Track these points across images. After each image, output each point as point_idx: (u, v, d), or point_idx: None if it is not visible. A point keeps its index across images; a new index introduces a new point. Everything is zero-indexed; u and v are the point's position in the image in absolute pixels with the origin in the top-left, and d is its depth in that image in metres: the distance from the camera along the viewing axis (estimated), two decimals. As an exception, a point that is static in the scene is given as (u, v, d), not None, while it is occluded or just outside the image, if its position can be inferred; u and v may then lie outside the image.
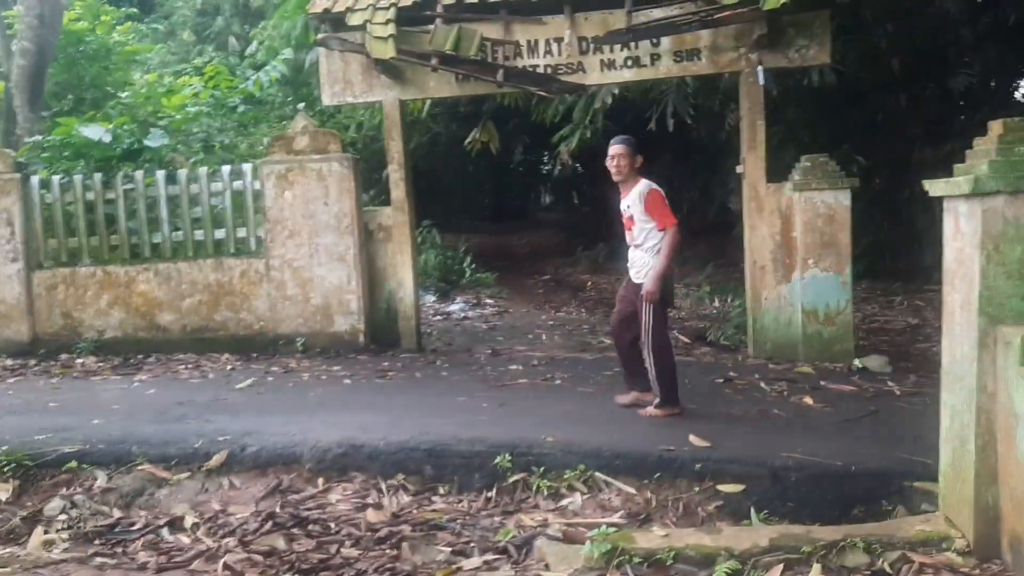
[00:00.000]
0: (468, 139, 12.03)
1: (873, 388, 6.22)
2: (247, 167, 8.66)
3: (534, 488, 4.67)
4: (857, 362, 7.06)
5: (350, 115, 13.83)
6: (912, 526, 3.77)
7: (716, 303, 12.07)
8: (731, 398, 6.07)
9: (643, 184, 5.63)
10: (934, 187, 3.68)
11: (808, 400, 5.87)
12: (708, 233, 17.94)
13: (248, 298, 8.45)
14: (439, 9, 7.82)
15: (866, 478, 4.43)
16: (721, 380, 6.61)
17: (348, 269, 8.25)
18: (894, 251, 13.55)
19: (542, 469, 4.74)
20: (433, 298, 13.32)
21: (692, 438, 4.92)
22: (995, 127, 3.47)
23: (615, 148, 5.72)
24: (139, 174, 8.80)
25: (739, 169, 7.68)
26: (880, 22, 12.22)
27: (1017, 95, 12.94)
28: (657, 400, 5.58)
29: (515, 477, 4.75)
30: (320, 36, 8.12)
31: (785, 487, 4.47)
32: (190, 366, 7.87)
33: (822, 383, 6.40)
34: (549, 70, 7.79)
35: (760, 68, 7.26)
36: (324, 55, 8.36)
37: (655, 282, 5.44)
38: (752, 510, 4.35)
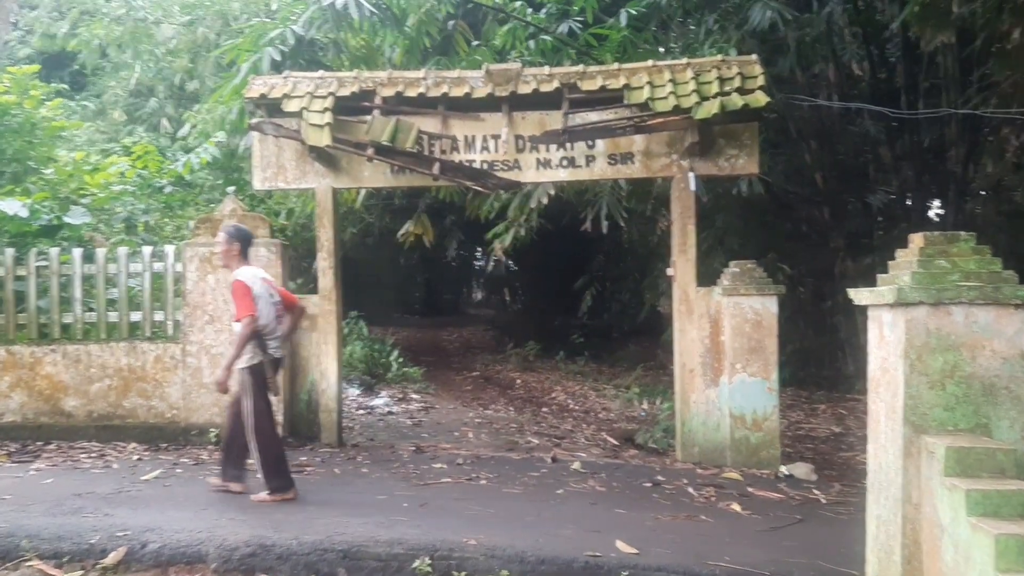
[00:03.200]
0: (401, 231, 12.00)
1: (799, 496, 6.18)
2: (170, 248, 8.41)
3: (453, 595, 4.44)
4: (784, 469, 7.04)
5: (281, 201, 13.70)
6: (841, 643, 3.65)
7: (644, 405, 12.05)
8: (659, 503, 5.94)
9: (235, 273, 5.87)
10: (859, 296, 3.72)
11: (736, 507, 5.78)
12: (638, 335, 18.12)
13: (161, 385, 8.07)
14: (377, 101, 7.86)
15: (794, 590, 4.33)
16: (649, 484, 6.49)
17: (270, 357, 7.96)
18: (818, 359, 13.84)
19: (463, 574, 4.52)
20: (357, 391, 12.98)
21: (619, 544, 4.76)
22: (916, 240, 3.54)
23: (217, 237, 6.08)
24: (54, 251, 8.45)
25: (670, 272, 7.77)
26: (805, 138, 12.80)
27: (931, 213, 13.56)
28: (266, 489, 5.76)
29: (434, 582, 4.52)
30: (255, 120, 8.06)
31: (713, 597, 4.35)
32: (93, 455, 7.41)
33: (749, 490, 6.33)
34: (486, 166, 7.85)
35: (692, 175, 7.44)
36: (258, 140, 8.29)
37: (223, 371, 5.73)
38: (678, 623, 4.19)
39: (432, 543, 4.75)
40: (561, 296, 19.66)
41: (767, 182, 11.35)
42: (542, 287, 21.14)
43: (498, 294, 26.87)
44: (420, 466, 7.14)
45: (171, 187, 12.58)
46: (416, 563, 4.58)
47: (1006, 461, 3.11)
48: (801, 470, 7.05)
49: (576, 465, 7.12)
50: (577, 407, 12.77)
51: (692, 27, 12.29)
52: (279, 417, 7.89)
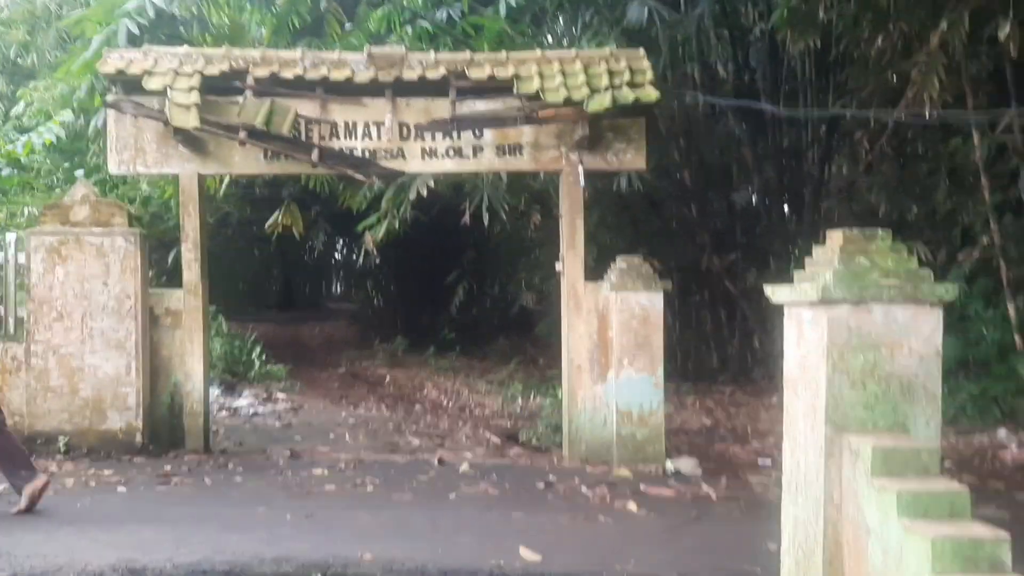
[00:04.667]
0: (269, 221, 11.41)
1: (690, 493, 6.20)
2: (11, 237, 7.59)
3: (349, 615, 4.14)
4: (670, 464, 7.07)
5: (137, 187, 12.73)
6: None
7: (520, 401, 11.95)
8: (555, 504, 5.82)
9: None
10: (777, 293, 3.67)
11: (632, 506, 5.72)
12: (509, 329, 18.07)
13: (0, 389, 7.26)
14: (250, 81, 7.35)
15: (701, 591, 4.28)
16: (542, 485, 6.35)
17: (128, 358, 7.32)
18: (685, 353, 14.17)
19: (361, 592, 4.23)
20: (218, 391, 12.23)
21: (523, 551, 4.58)
22: (835, 237, 3.51)
23: None
24: None
25: (559, 267, 7.66)
26: (674, 136, 13.05)
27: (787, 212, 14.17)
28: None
29: (328, 603, 4.20)
30: (112, 97, 7.38)
31: (620, 603, 4.24)
32: (-82, 470, 6.54)
33: (641, 487, 6.31)
34: (368, 154, 7.48)
35: (581, 168, 7.35)
36: (114, 119, 7.59)
37: None
38: (588, 630, 4.06)
39: (324, 559, 4.41)
40: (430, 290, 19.33)
41: (641, 179, 11.50)
42: (410, 281, 20.73)
43: (362, 288, 26.26)
44: (299, 473, 6.72)
45: (7, 170, 11.47)
46: (307, 582, 4.25)
47: (929, 460, 3.12)
48: (687, 465, 7.10)
49: (464, 467, 6.90)
50: (451, 404, 12.55)
51: (567, 22, 12.32)
52: (138, 423, 7.30)
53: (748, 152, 13.60)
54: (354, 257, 24.66)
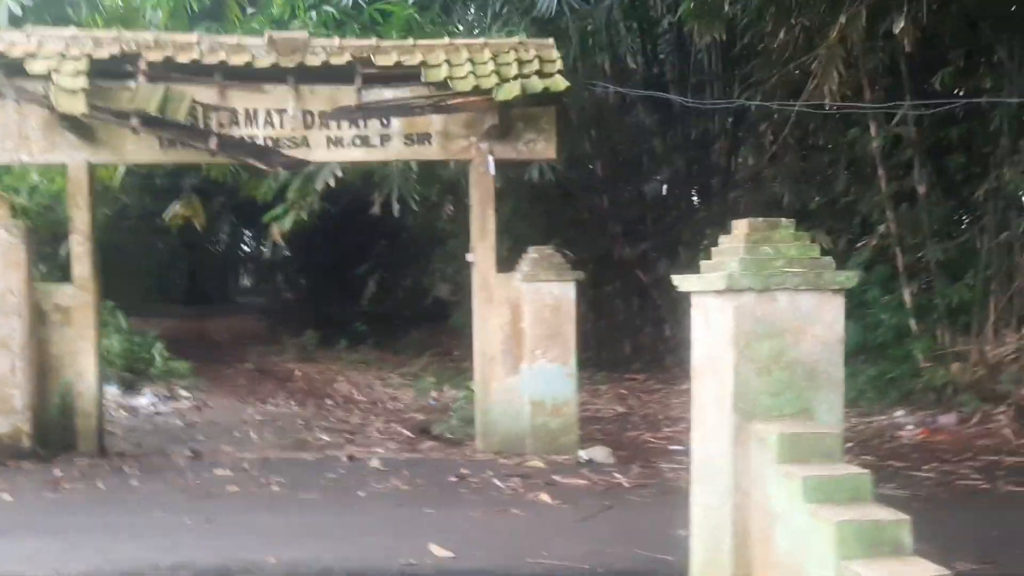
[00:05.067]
0: (168, 213, 10.97)
1: (603, 481, 6.20)
2: None
3: (252, 622, 3.97)
4: (583, 454, 7.07)
5: (22, 177, 12.02)
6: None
7: (434, 394, 11.82)
8: (467, 498, 5.73)
9: None
10: (685, 282, 3.66)
11: (544, 497, 5.68)
12: (422, 321, 17.88)
13: None
14: (142, 65, 6.99)
15: (612, 580, 4.26)
16: (454, 479, 6.25)
17: (12, 357, 6.90)
18: (598, 342, 14.27)
19: (263, 597, 4.06)
20: (117, 390, 11.68)
21: (433, 548, 4.48)
22: (741, 226, 3.51)
23: None
24: None
25: (470, 258, 7.56)
26: (585, 127, 13.10)
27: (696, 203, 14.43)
28: None
29: (230, 611, 4.02)
30: (-10, 82, 6.91)
31: (534, 597, 4.19)
32: None
33: (554, 477, 6.28)
34: (270, 142, 7.22)
35: (491, 158, 7.26)
36: (-5, 105, 7.13)
37: None
38: (502, 627, 3.99)
39: (224, 565, 4.23)
40: (341, 283, 18.99)
41: (553, 169, 11.51)
42: (321, 273, 20.32)
43: (271, 281, 25.61)
44: (201, 474, 6.44)
45: None
46: (207, 589, 4.07)
47: (833, 445, 3.16)
48: (599, 453, 7.12)
49: (375, 463, 6.75)
50: (364, 398, 12.33)
51: (477, 11, 12.22)
52: (25, 426, 6.90)
53: (658, 143, 13.78)
54: (262, 249, 24.04)
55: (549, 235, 12.63)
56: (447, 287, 16.73)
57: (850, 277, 3.39)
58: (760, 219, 3.53)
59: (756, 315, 3.34)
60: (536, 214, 13.58)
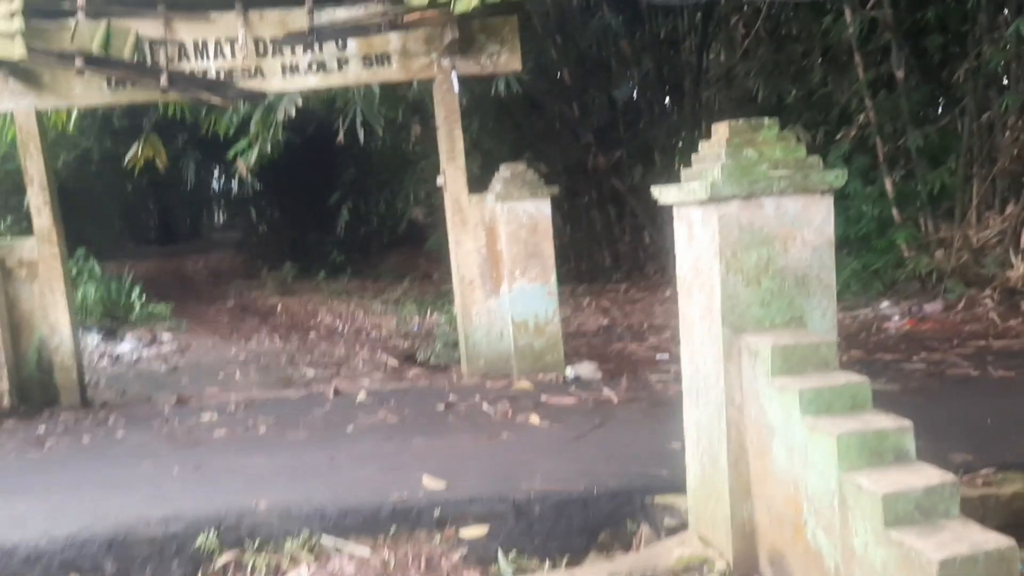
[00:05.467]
0: (128, 155, 10.58)
1: (592, 399, 6.15)
2: None
3: (249, 568, 3.92)
4: (570, 371, 7.02)
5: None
6: (670, 552, 3.57)
7: (416, 319, 11.73)
8: (456, 426, 5.66)
9: None
10: (665, 194, 3.50)
11: (534, 419, 5.63)
12: (400, 246, 17.74)
13: None
14: (80, 1, 6.58)
15: (608, 499, 4.21)
16: (442, 406, 6.17)
17: (-20, 318, 6.69)
18: (578, 253, 14.19)
19: (257, 542, 4.01)
20: (97, 338, 11.54)
21: (426, 479, 4.41)
22: (721, 130, 3.33)
23: None
24: None
25: (440, 181, 7.34)
26: (549, 34, 12.67)
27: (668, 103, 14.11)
28: None
29: (224, 558, 3.97)
30: (-83, 30, 6.49)
31: (530, 521, 4.14)
32: None
33: (543, 398, 6.22)
34: (223, 75, 6.87)
35: (455, 74, 6.96)
36: (-73, 54, 6.72)
37: None
38: (500, 553, 3.96)
39: (216, 513, 4.15)
40: (315, 213, 18.69)
41: (519, 80, 11.17)
42: (293, 205, 19.99)
43: (245, 216, 25.22)
44: (186, 421, 6.34)
45: None
46: (199, 539, 4.00)
47: (828, 354, 3.06)
48: (586, 369, 7.07)
49: (362, 396, 6.66)
50: (346, 328, 12.23)
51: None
52: (3, 384, 6.75)
53: (626, 45, 13.37)
54: (232, 184, 23.56)
55: (519, 149, 12.42)
56: (421, 210, 16.50)
57: (839, 176, 3.25)
58: (741, 120, 3.34)
59: (741, 224, 3.20)
60: (505, 128, 13.27)
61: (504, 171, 7.19)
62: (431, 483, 4.40)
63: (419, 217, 16.99)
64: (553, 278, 7.19)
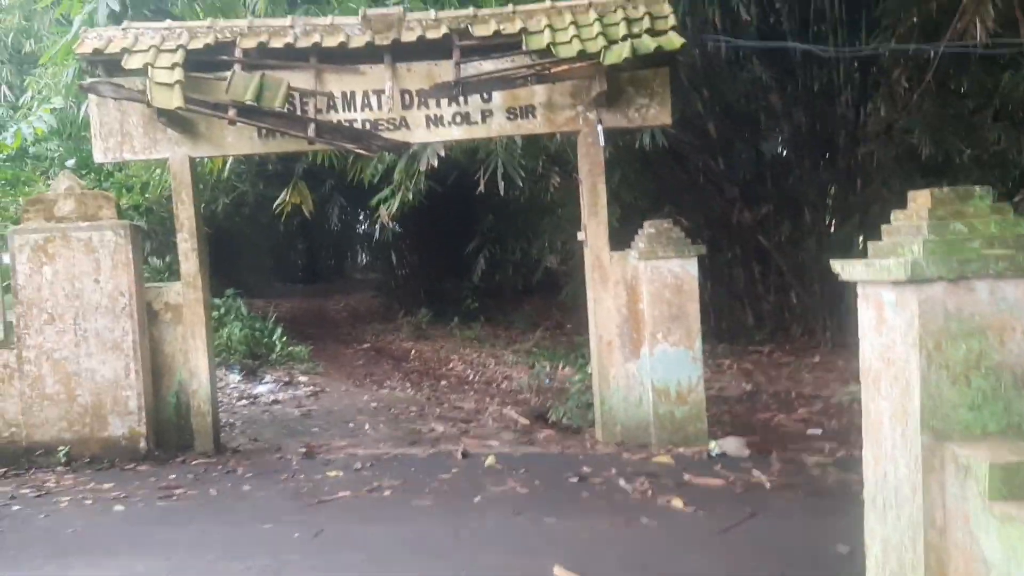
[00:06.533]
0: (278, 201, 10.86)
1: (740, 481, 5.60)
2: (-7, 237, 7.09)
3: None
4: (714, 445, 6.49)
5: (136, 174, 12.20)
6: None
7: (548, 371, 11.38)
8: (591, 504, 5.25)
9: None
10: (850, 271, 3.03)
11: (677, 502, 5.14)
12: (533, 295, 17.51)
13: (-6, 398, 6.82)
14: (237, 54, 6.73)
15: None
16: (575, 479, 5.78)
17: (126, 359, 6.83)
18: (718, 312, 13.52)
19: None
20: (238, 377, 11.83)
21: (558, 571, 4.03)
22: (921, 199, 2.86)
23: None
24: None
25: (581, 236, 7.04)
26: (696, 86, 12.27)
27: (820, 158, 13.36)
28: None
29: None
30: (88, 81, 6.81)
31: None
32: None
33: (685, 476, 5.72)
34: (368, 125, 6.86)
35: (600, 127, 6.68)
36: (96, 104, 7.04)
37: None
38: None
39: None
40: (452, 259, 18.80)
41: (664, 132, 10.81)
42: (431, 250, 20.22)
43: (385, 259, 25.79)
44: (312, 475, 6.19)
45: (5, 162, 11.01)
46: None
47: (1060, 476, 2.50)
48: (732, 445, 6.51)
49: (490, 460, 6.34)
50: (477, 377, 12.05)
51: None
52: (140, 428, 6.85)
53: (776, 98, 12.78)
54: (375, 228, 24.14)
55: (660, 202, 11.99)
56: (556, 258, 16.25)
57: (1073, 259, 2.70)
58: (947, 189, 2.86)
59: (948, 310, 2.70)
60: (645, 180, 12.87)
61: (648, 228, 6.82)
62: (563, 574, 4.01)
63: (554, 264, 16.75)
64: (698, 343, 6.72)
